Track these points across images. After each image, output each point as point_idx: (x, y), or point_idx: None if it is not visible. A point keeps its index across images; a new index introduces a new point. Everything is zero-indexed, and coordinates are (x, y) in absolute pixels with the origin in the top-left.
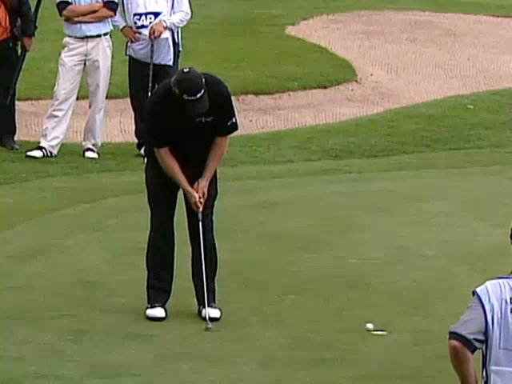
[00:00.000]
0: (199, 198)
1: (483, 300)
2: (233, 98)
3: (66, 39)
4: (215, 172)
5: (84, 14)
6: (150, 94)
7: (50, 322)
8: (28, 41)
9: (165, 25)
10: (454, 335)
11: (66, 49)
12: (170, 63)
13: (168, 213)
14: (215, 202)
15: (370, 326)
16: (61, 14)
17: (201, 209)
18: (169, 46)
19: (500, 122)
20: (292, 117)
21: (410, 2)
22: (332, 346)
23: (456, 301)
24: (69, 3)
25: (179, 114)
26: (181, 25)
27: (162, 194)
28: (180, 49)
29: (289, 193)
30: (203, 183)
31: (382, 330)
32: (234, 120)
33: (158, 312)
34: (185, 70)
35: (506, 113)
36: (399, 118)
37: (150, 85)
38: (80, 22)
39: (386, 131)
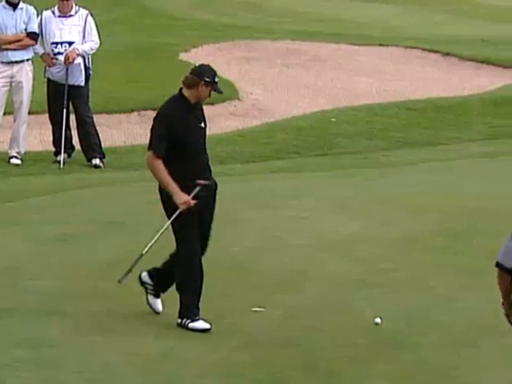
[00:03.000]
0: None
1: None
2: (134, 113)
3: None
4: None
5: (10, 43)
6: (65, 110)
7: None
8: None
9: (77, 52)
10: (496, 264)
11: None
12: (82, 84)
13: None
14: None
15: (378, 320)
16: None
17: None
18: (81, 70)
19: (357, 132)
20: None
21: (283, 33)
22: (219, 320)
23: (321, 281)
24: None
25: (188, 120)
26: (91, 52)
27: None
28: (90, 72)
29: None
30: None
31: (260, 307)
32: None
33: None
34: (200, 64)
35: (362, 124)
36: (274, 130)
37: (65, 102)
38: (7, 49)
39: (263, 141)
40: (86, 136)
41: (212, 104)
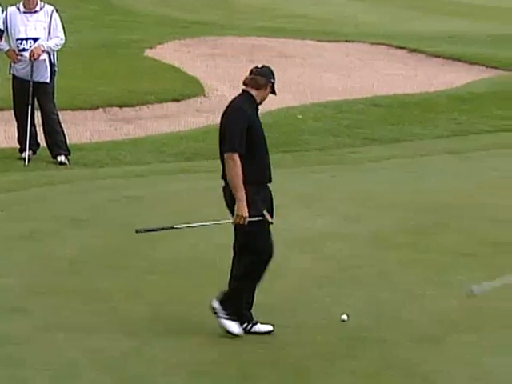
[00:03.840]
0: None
1: None
2: (100, 110)
3: None
4: None
5: None
6: (30, 106)
7: None
8: None
9: (43, 48)
10: None
11: None
12: (47, 81)
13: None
14: None
15: (344, 317)
16: None
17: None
18: (46, 67)
19: (324, 129)
20: (150, 126)
21: (248, 29)
22: (185, 318)
23: (288, 278)
24: None
25: (258, 120)
26: (56, 48)
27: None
28: (56, 68)
29: (148, 189)
30: None
31: None
32: None
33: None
34: (262, 65)
35: (328, 121)
36: None
37: (31, 99)
38: None
39: None
40: (52, 133)
41: (178, 101)
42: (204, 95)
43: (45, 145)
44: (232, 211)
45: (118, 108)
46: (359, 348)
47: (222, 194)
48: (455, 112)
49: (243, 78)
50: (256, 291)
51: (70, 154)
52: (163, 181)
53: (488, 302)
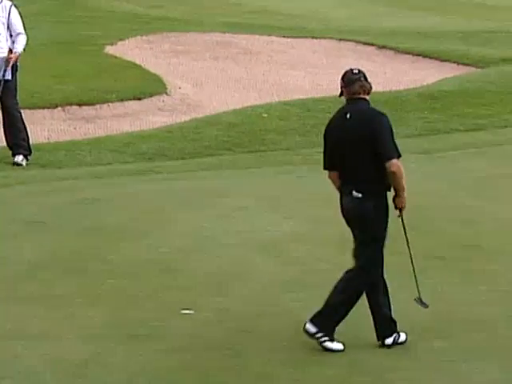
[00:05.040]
0: None
1: None
2: (58, 108)
3: None
4: None
5: None
6: None
7: None
8: None
9: (17, 54)
10: None
11: None
12: (9, 78)
13: None
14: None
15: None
16: None
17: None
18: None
19: (290, 128)
20: (111, 125)
21: (213, 25)
22: (145, 323)
23: (253, 282)
24: None
25: None
26: (24, 47)
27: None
28: (18, 64)
29: (108, 191)
30: None
31: (189, 309)
32: None
33: None
34: (357, 68)
35: (294, 120)
36: (204, 126)
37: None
38: None
39: (192, 137)
40: (14, 131)
41: (139, 99)
42: (166, 93)
43: (4, 144)
44: (353, 225)
45: (77, 106)
46: (328, 354)
47: (342, 206)
48: (426, 111)
49: (208, 76)
50: None
51: (31, 153)
52: (124, 182)
53: (457, 306)
